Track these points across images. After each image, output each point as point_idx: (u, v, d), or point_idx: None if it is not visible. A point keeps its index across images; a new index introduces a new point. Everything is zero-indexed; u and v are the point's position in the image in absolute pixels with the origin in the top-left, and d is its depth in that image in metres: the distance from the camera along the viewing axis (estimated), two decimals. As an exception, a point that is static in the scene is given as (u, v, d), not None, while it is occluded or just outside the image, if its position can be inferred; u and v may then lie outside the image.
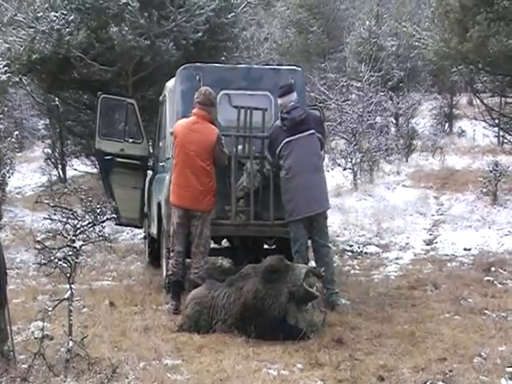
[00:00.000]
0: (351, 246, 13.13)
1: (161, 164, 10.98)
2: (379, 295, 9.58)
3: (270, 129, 9.41)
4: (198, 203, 8.82)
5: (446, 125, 34.13)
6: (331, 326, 7.83)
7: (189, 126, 8.91)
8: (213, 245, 10.29)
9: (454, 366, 6.48)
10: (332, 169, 19.48)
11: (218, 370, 6.36)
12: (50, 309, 6.42)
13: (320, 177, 9.19)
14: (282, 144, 9.02)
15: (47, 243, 6.59)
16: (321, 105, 16.24)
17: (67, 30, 15.88)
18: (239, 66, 11.47)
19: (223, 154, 9.01)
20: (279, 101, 9.27)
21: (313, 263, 9.16)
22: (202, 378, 6.16)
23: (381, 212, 15.78)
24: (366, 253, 12.81)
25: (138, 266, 11.94)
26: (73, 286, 6.38)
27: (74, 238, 6.46)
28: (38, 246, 6.44)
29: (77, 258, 6.41)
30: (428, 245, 13.59)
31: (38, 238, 6.89)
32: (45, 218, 6.93)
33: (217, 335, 7.55)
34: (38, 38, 16.10)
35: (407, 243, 13.62)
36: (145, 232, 12.49)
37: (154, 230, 10.88)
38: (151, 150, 12.48)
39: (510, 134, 22.08)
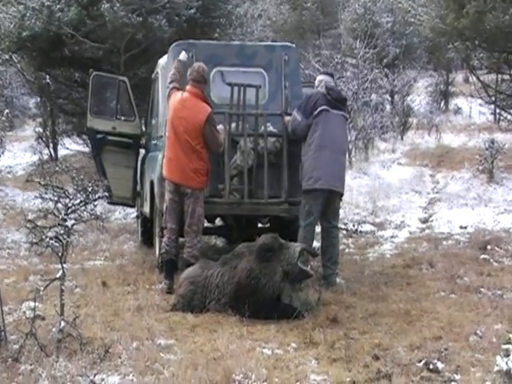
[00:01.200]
0: (346, 224, 13.12)
1: (153, 142, 10.95)
2: (374, 274, 9.59)
3: (309, 93, 9.40)
4: (188, 180, 8.77)
5: (442, 102, 34.05)
6: (326, 305, 7.84)
7: (181, 101, 8.84)
8: (206, 223, 10.28)
9: (449, 345, 6.48)
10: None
11: (212, 350, 6.36)
12: (42, 289, 6.41)
13: (345, 161, 9.31)
14: (321, 108, 9.00)
15: (38, 222, 6.58)
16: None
17: (58, 6, 15.79)
18: (232, 42, 11.44)
19: (215, 139, 8.88)
20: (320, 76, 9.47)
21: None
22: (196, 357, 6.16)
23: (376, 190, 15.80)
24: (361, 231, 12.82)
25: (130, 246, 11.94)
26: (65, 265, 6.37)
27: (65, 217, 6.44)
28: (29, 226, 6.41)
29: (68, 238, 6.40)
30: (423, 223, 13.62)
31: (29, 218, 6.90)
32: (36, 197, 6.94)
33: (210, 315, 7.55)
34: (28, 14, 16.00)
35: (402, 221, 13.64)
36: (137, 211, 12.48)
37: (146, 209, 10.87)
38: (144, 128, 12.44)
39: (506, 112, 22.08)
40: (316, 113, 9.02)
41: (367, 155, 20.68)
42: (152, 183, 10.13)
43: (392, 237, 12.47)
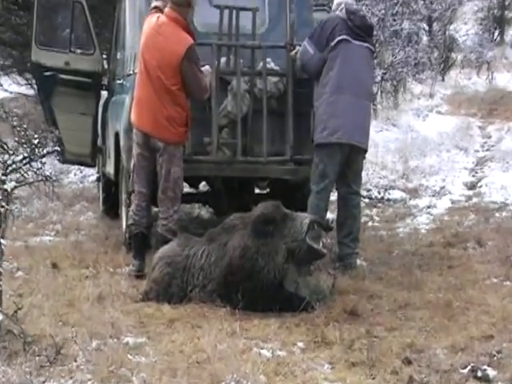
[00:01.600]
0: (369, 190, 13.19)
1: (119, 82, 10.93)
2: (405, 254, 9.65)
3: (324, 18, 9.41)
4: (160, 130, 8.68)
5: (496, 32, 34.05)
6: (342, 294, 7.87)
7: (156, 26, 8.72)
8: (188, 189, 10.30)
9: (503, 346, 6.50)
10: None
11: (195, 351, 6.38)
12: (-27, 272, 6.43)
13: (370, 108, 9.28)
14: (339, 38, 8.97)
15: (-32, 185, 6.58)
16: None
17: None
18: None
19: (196, 80, 8.75)
20: None
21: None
22: (174, 360, 6.18)
23: (408, 147, 15.84)
24: (388, 199, 12.88)
25: (89, 217, 11.99)
26: (3, 241, 6.37)
27: (3, 178, 6.43)
28: (-44, 189, 6.42)
29: (8, 205, 6.39)
30: (470, 189, 13.69)
31: (-44, 179, 6.88)
32: (-35, 152, 6.90)
33: (193, 305, 7.57)
34: None
35: (443, 187, 13.70)
36: (98, 172, 12.50)
37: (110, 170, 10.88)
38: (106, 64, 12.41)
39: None
40: (333, 44, 8.97)
41: (397, 101, 20.71)
42: (117, 135, 10.12)
43: (429, 207, 12.53)
